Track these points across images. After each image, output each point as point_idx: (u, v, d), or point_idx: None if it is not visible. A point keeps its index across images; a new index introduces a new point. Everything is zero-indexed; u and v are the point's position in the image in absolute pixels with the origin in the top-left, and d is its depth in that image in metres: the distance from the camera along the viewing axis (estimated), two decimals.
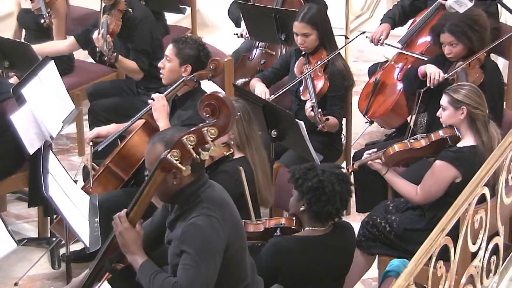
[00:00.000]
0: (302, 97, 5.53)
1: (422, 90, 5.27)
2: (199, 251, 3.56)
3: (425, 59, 5.87)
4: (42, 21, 6.25)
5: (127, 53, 6.11)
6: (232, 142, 4.59)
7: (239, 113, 4.54)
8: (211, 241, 3.59)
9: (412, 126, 5.33)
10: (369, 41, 6.41)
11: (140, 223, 3.76)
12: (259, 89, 5.69)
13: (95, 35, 5.97)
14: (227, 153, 4.53)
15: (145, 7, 6.40)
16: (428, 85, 5.30)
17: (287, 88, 5.57)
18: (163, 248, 3.92)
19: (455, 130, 4.73)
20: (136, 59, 6.09)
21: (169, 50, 5.14)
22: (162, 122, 4.95)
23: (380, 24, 6.47)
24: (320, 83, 5.50)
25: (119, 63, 6.08)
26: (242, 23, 6.59)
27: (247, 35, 6.57)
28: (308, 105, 5.34)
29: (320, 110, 5.32)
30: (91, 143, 5.29)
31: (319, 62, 5.52)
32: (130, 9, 6.15)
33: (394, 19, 6.42)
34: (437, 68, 5.33)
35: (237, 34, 6.71)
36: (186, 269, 3.56)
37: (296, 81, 5.54)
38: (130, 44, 6.14)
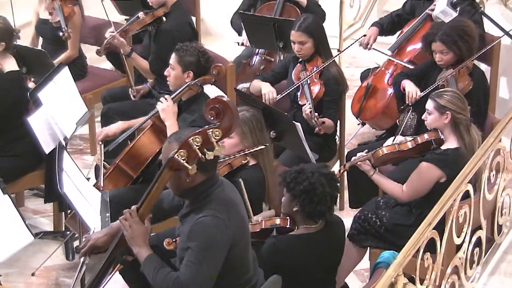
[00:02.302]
0: (299, 102, 5.54)
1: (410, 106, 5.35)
2: (203, 250, 3.57)
3: (411, 67, 5.90)
4: (61, 34, 6.26)
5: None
6: (246, 150, 4.57)
7: (258, 123, 4.57)
8: (215, 241, 3.60)
9: (401, 128, 5.37)
10: (358, 45, 6.44)
11: (149, 219, 3.77)
12: (266, 88, 5.65)
13: (112, 28, 6.10)
14: (244, 162, 4.52)
15: (182, 21, 6.30)
16: (407, 102, 5.42)
17: (285, 93, 5.58)
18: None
19: (439, 133, 4.75)
20: (151, 61, 6.15)
21: (172, 58, 5.16)
22: (169, 122, 4.97)
23: (369, 28, 6.51)
24: (316, 89, 5.51)
25: (132, 59, 6.16)
26: (244, 33, 6.60)
27: (247, 43, 6.59)
28: (306, 108, 5.36)
29: (316, 114, 5.34)
30: (101, 143, 5.32)
31: (315, 69, 5.53)
32: (164, 18, 6.18)
33: (383, 25, 6.44)
34: (415, 86, 5.40)
35: (238, 42, 6.72)
36: (188, 266, 3.57)
37: (293, 87, 5.55)
38: (153, 47, 6.20)
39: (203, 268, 3.56)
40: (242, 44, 6.66)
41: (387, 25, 6.43)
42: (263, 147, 4.55)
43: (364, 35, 6.41)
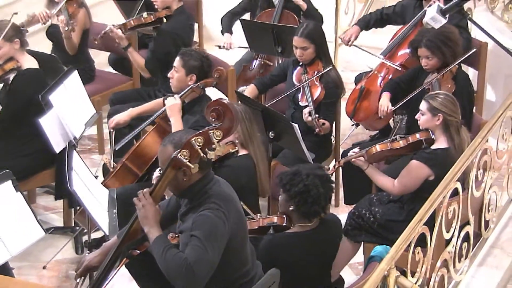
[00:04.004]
0: (300, 103, 5.53)
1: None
2: (207, 236, 3.56)
3: (399, 68, 5.89)
4: (66, 29, 6.24)
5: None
6: (237, 141, 4.59)
7: (247, 114, 4.58)
8: (218, 229, 3.59)
9: (394, 130, 5.37)
10: (340, 41, 6.48)
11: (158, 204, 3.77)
12: None
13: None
14: (233, 150, 4.53)
15: (183, 24, 6.28)
16: (379, 115, 5.52)
17: (286, 94, 5.58)
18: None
19: (430, 133, 4.75)
20: (147, 59, 6.16)
21: (177, 61, 5.18)
22: (174, 119, 4.99)
23: (352, 26, 6.54)
24: (317, 92, 5.51)
25: (129, 53, 6.17)
26: (226, 35, 6.61)
27: (228, 47, 6.59)
28: (306, 110, 5.35)
29: (317, 115, 5.33)
30: (112, 130, 5.40)
31: (316, 73, 5.52)
32: (164, 19, 6.17)
33: (368, 23, 6.45)
34: (388, 101, 5.47)
35: (218, 46, 6.71)
36: (195, 249, 3.54)
37: (294, 89, 5.54)
38: (151, 45, 6.21)
39: (208, 253, 3.54)
40: (223, 47, 6.65)
41: (374, 22, 6.44)
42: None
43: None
